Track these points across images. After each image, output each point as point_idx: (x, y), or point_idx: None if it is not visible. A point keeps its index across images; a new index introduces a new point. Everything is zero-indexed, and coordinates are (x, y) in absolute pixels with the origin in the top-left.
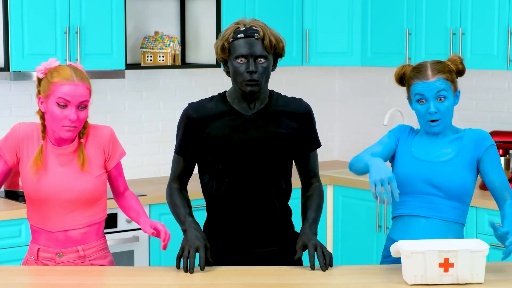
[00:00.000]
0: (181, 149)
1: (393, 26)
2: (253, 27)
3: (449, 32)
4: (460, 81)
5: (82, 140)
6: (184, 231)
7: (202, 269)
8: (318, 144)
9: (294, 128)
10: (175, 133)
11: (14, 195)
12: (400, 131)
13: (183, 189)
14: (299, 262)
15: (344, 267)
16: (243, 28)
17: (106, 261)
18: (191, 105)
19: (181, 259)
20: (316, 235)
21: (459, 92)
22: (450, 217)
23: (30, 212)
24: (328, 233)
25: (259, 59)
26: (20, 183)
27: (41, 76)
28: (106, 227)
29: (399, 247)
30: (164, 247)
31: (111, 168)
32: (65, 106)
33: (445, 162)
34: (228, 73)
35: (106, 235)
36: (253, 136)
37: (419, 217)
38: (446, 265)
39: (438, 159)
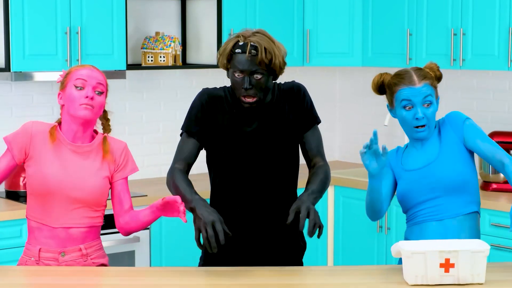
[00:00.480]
0: (190, 128)
1: (394, 26)
2: (251, 43)
3: (450, 33)
4: (461, 81)
5: (106, 134)
6: (192, 210)
7: (222, 242)
8: (315, 120)
9: (293, 112)
10: (176, 134)
11: (15, 196)
12: (388, 159)
13: (186, 172)
14: (298, 261)
15: (345, 267)
16: (241, 43)
17: (106, 260)
18: (206, 91)
19: (201, 240)
20: (313, 204)
21: (439, 98)
22: (460, 211)
23: (32, 207)
24: (329, 234)
25: (255, 75)
26: (21, 183)
27: (61, 78)
28: (106, 228)
29: (400, 248)
30: (184, 216)
31: (117, 180)
32: (82, 88)
33: (432, 163)
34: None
35: (107, 235)
36: (260, 129)
37: (432, 221)
38: (447, 265)
39: (426, 163)
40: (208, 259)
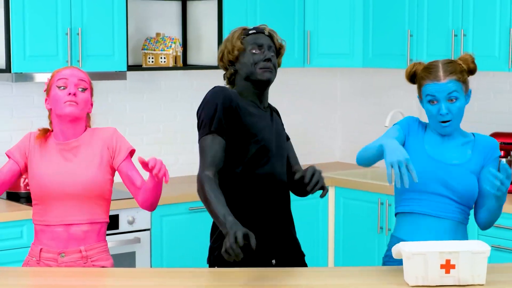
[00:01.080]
0: (218, 126)
1: (394, 27)
2: (262, 27)
3: (450, 34)
4: None
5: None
6: (227, 234)
7: (241, 244)
8: (287, 136)
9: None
10: (177, 135)
11: (16, 197)
12: (409, 123)
13: (216, 179)
14: (302, 261)
15: (345, 268)
16: (253, 27)
17: (108, 263)
18: (221, 88)
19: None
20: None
21: (470, 91)
22: (458, 218)
23: (36, 212)
24: (329, 235)
25: (271, 52)
26: (22, 184)
27: (46, 86)
28: (107, 229)
29: (400, 249)
30: (165, 178)
31: (119, 163)
32: (64, 87)
33: (459, 166)
34: (229, 79)
35: (108, 237)
36: (275, 127)
37: (429, 216)
38: (447, 266)
39: (452, 161)
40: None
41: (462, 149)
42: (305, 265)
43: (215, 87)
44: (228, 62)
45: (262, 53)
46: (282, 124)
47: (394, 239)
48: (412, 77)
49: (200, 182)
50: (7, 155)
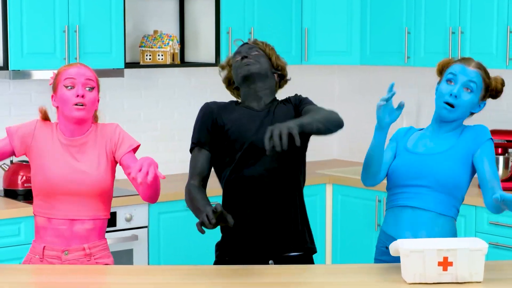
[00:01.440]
0: (200, 139)
1: (392, 25)
2: (248, 40)
3: (448, 31)
4: None
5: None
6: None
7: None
8: (312, 102)
9: (291, 110)
10: (174, 132)
11: (13, 194)
12: (397, 133)
13: (202, 186)
14: (309, 256)
15: (343, 265)
16: (242, 43)
17: (110, 260)
18: (208, 103)
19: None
20: (296, 125)
21: (484, 104)
22: (436, 209)
23: (38, 204)
24: (327, 232)
25: (252, 53)
26: (19, 182)
27: (52, 81)
28: None
29: (398, 246)
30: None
31: (121, 156)
32: (72, 87)
33: (436, 154)
34: (237, 98)
35: (105, 234)
36: (270, 124)
37: (407, 207)
38: (445, 264)
39: (430, 151)
40: (223, 251)
41: (447, 139)
42: (311, 261)
43: (204, 103)
44: (227, 83)
45: (241, 57)
46: (292, 109)
47: (382, 233)
48: (443, 69)
49: (186, 190)
50: (7, 132)
